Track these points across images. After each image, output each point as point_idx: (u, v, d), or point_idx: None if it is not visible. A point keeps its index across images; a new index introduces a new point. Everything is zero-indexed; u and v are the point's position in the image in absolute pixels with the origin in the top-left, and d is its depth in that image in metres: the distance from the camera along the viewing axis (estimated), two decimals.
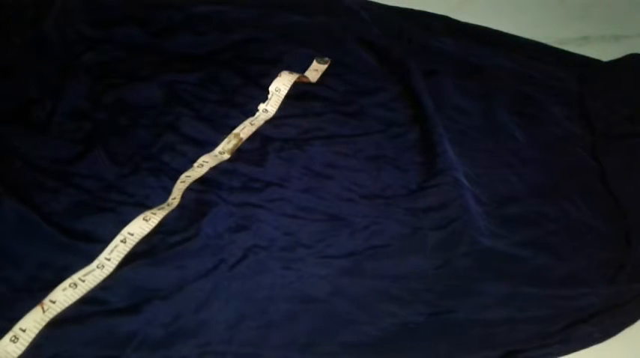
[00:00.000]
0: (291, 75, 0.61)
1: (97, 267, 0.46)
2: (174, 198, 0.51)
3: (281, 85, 0.60)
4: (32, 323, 0.42)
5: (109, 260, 0.46)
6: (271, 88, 0.60)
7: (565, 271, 0.53)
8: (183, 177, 0.52)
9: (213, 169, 0.54)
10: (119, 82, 0.59)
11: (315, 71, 0.64)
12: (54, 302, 0.44)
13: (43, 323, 0.43)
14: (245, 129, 0.57)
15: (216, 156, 0.55)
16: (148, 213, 0.49)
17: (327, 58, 0.65)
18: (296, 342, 0.46)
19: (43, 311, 0.43)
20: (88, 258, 0.47)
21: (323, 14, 0.68)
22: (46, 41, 0.60)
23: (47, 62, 0.59)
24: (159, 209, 0.50)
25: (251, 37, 0.64)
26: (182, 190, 0.51)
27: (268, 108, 0.59)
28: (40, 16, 0.61)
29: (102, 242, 0.47)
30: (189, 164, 0.54)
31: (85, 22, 0.62)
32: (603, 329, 0.50)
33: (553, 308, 0.51)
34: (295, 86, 0.61)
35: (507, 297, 0.51)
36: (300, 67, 0.63)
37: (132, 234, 0.48)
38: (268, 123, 0.58)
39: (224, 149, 0.55)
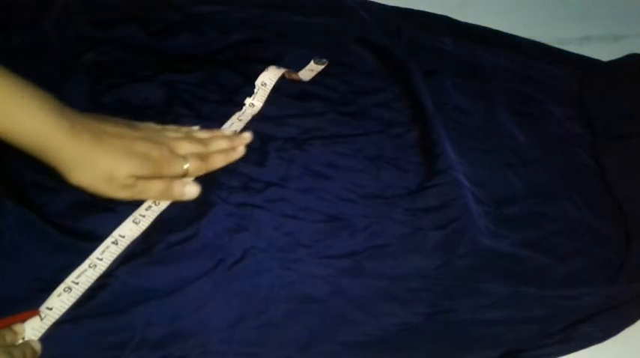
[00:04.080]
0: (277, 70, 0.61)
1: (89, 267, 0.46)
2: None
3: (267, 79, 0.60)
4: (31, 331, 0.42)
5: (100, 260, 0.46)
6: (257, 82, 0.60)
7: (565, 271, 0.53)
8: None
9: None
10: (119, 82, 0.58)
11: (310, 71, 0.63)
12: (50, 310, 0.43)
13: (43, 331, 0.43)
14: (233, 126, 0.57)
15: None
16: (137, 215, 0.49)
17: (324, 60, 0.64)
18: (296, 342, 0.46)
19: (41, 319, 0.43)
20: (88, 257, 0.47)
21: (323, 14, 0.68)
22: (46, 41, 0.60)
23: (47, 62, 0.58)
24: (146, 209, 0.50)
25: (251, 37, 0.64)
26: None
27: (255, 103, 0.59)
28: (40, 16, 0.61)
29: (101, 241, 0.47)
30: None
31: (85, 22, 0.61)
32: (603, 329, 0.50)
33: (553, 308, 0.51)
34: (295, 85, 0.61)
35: (507, 297, 0.51)
36: (300, 67, 0.63)
37: (123, 237, 0.48)
38: (268, 121, 0.58)
39: None
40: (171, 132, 0.52)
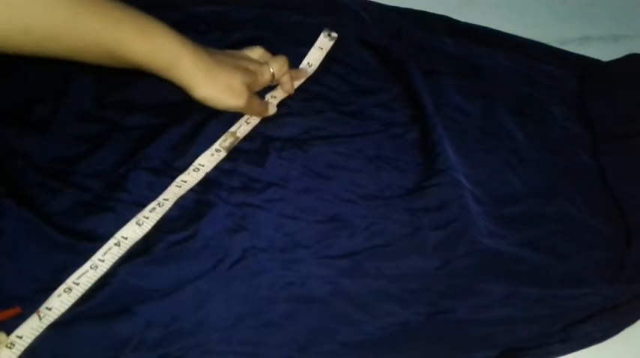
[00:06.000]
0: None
1: (91, 268, 0.46)
2: (166, 199, 0.51)
3: (278, 93, 0.61)
4: (29, 330, 0.42)
5: (102, 261, 0.46)
6: (267, 96, 0.61)
7: (565, 271, 0.53)
8: (179, 181, 0.52)
9: (213, 169, 0.54)
10: (122, 82, 0.58)
11: (320, 49, 0.64)
12: (50, 310, 0.43)
13: (40, 330, 0.42)
14: (241, 128, 0.57)
15: (212, 154, 0.55)
16: (140, 217, 0.49)
17: (334, 34, 0.65)
18: (296, 342, 0.46)
19: (40, 319, 0.43)
20: (88, 258, 0.46)
21: (323, 14, 0.68)
22: None
23: (49, 62, 0.58)
24: (150, 211, 0.50)
25: (251, 37, 0.64)
26: (177, 195, 0.51)
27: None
28: None
29: (102, 241, 0.47)
30: (189, 162, 0.54)
31: None
32: (603, 329, 0.50)
33: (553, 308, 0.51)
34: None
35: (507, 297, 0.51)
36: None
37: (125, 238, 0.48)
38: (269, 121, 0.58)
39: (220, 146, 0.55)
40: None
